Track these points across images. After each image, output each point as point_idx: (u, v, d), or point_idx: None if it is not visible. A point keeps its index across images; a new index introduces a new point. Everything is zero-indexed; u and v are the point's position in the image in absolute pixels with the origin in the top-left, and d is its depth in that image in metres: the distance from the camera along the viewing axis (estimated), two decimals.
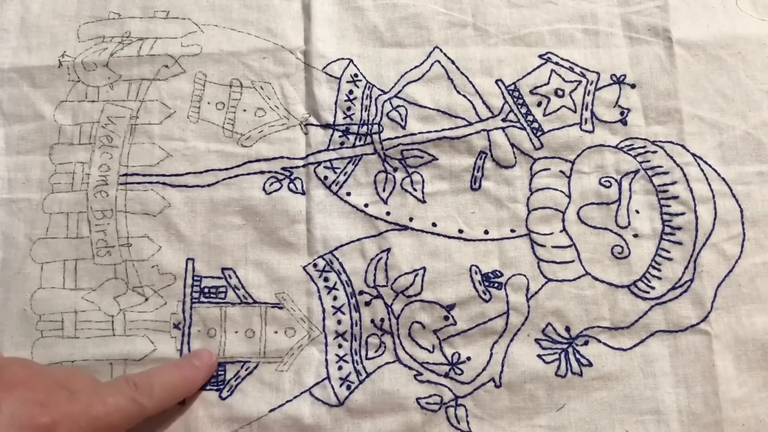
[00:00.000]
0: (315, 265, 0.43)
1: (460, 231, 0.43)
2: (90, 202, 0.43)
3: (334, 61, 0.46)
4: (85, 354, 0.41)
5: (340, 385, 0.41)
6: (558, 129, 0.45)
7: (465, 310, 0.42)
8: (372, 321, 0.42)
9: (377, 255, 0.43)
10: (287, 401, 0.40)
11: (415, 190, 0.44)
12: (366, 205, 0.44)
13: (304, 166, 0.44)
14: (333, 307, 0.42)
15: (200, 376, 0.40)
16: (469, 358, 0.41)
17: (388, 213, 0.44)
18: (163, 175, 0.44)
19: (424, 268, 0.43)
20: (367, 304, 0.42)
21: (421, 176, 0.44)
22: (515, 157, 0.45)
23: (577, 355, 0.41)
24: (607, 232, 0.43)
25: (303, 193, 0.44)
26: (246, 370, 0.41)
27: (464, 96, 0.45)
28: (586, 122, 0.45)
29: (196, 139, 0.44)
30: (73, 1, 0.47)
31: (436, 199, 0.44)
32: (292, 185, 0.44)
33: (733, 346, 0.42)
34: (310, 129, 0.45)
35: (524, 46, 0.47)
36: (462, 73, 0.46)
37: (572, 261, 0.43)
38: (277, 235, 0.43)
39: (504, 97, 0.45)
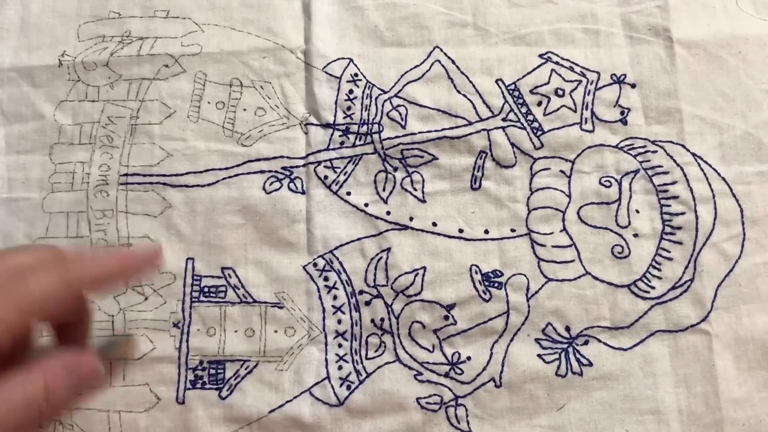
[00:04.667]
0: (315, 265, 0.43)
1: (461, 230, 0.43)
2: (90, 201, 0.43)
3: (335, 61, 0.46)
4: None
5: (340, 385, 0.41)
6: (558, 128, 0.45)
7: (465, 310, 0.42)
8: (372, 321, 0.42)
9: (377, 254, 0.43)
10: (287, 401, 0.40)
11: (415, 189, 0.44)
12: (366, 205, 0.44)
13: (304, 165, 0.44)
14: (333, 306, 0.42)
15: (139, 257, 0.32)
16: (469, 358, 0.41)
17: (388, 212, 0.44)
18: (164, 175, 0.44)
19: (425, 268, 0.43)
20: (367, 303, 0.42)
21: (422, 176, 0.44)
22: (515, 157, 0.45)
23: (578, 355, 0.41)
24: (607, 231, 0.43)
25: (303, 193, 0.44)
26: (246, 369, 0.41)
27: (464, 95, 0.45)
28: (586, 122, 0.45)
29: (196, 138, 0.44)
30: (74, 0, 0.47)
31: (437, 198, 0.44)
32: (292, 185, 0.44)
33: (734, 346, 0.42)
34: (310, 128, 0.45)
35: (524, 46, 0.47)
36: (462, 72, 0.46)
37: (572, 261, 0.43)
38: (277, 235, 0.43)
39: (504, 97, 0.45)
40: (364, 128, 0.45)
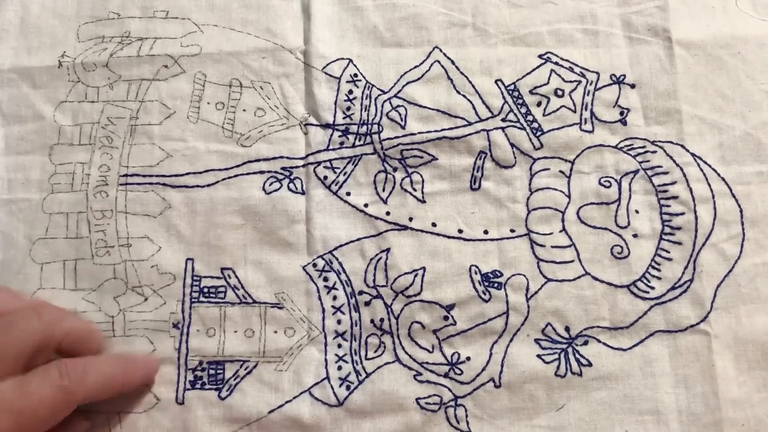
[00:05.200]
0: (314, 265, 0.43)
1: (460, 231, 0.43)
2: (90, 202, 0.43)
3: (334, 61, 0.46)
4: None
5: (340, 385, 0.41)
6: (558, 129, 0.45)
7: (464, 310, 0.42)
8: (372, 321, 0.42)
9: (377, 255, 0.43)
10: (287, 401, 0.40)
11: (414, 190, 0.44)
12: (366, 205, 0.44)
13: (303, 165, 0.44)
14: (333, 306, 0.42)
15: (138, 371, 0.39)
16: (468, 358, 0.41)
17: (387, 213, 0.44)
18: (163, 176, 0.44)
19: (424, 268, 0.43)
20: (367, 304, 0.42)
21: (421, 176, 0.44)
22: (515, 157, 0.45)
23: (577, 355, 0.41)
24: (606, 232, 0.43)
25: (303, 193, 0.44)
26: (245, 369, 0.41)
27: (464, 96, 0.45)
28: (585, 122, 0.45)
29: (196, 139, 0.45)
30: (73, 1, 0.47)
31: (436, 199, 0.44)
32: (291, 185, 0.44)
33: (733, 347, 0.41)
34: (309, 129, 0.45)
35: (524, 46, 0.47)
36: (462, 73, 0.46)
37: (572, 261, 0.43)
38: (276, 235, 0.43)
39: (504, 97, 0.45)
40: (364, 129, 0.45)
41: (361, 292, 0.42)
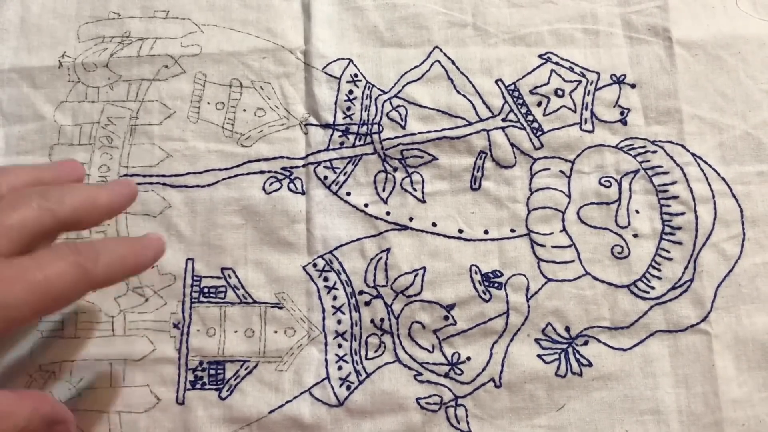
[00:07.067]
0: (315, 265, 0.43)
1: (460, 231, 0.43)
2: None
3: (334, 61, 0.46)
4: (84, 354, 0.41)
5: (340, 385, 0.41)
6: (558, 129, 0.45)
7: (465, 310, 0.42)
8: (372, 321, 0.42)
9: (377, 255, 0.43)
10: (287, 401, 0.40)
11: (415, 190, 0.44)
12: (366, 205, 0.44)
13: (304, 165, 0.44)
14: (333, 306, 0.42)
15: (150, 251, 0.36)
16: (469, 358, 0.41)
17: (388, 213, 0.44)
18: (164, 176, 0.44)
19: (424, 268, 0.43)
20: (367, 304, 0.42)
21: (421, 176, 0.44)
22: (515, 157, 0.45)
23: (577, 355, 0.41)
24: (607, 232, 0.43)
25: (303, 193, 0.44)
26: (245, 369, 0.41)
27: (464, 96, 0.45)
28: (586, 122, 0.45)
29: (196, 139, 0.45)
30: (73, 1, 0.47)
31: (436, 199, 0.44)
32: (291, 185, 0.44)
33: (733, 346, 0.42)
34: (309, 129, 0.45)
35: (524, 46, 0.47)
36: (462, 72, 0.46)
37: (572, 261, 0.43)
38: (276, 235, 0.43)
39: (504, 97, 0.45)
40: (364, 128, 0.45)
41: (361, 292, 0.42)
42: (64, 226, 0.32)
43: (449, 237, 0.43)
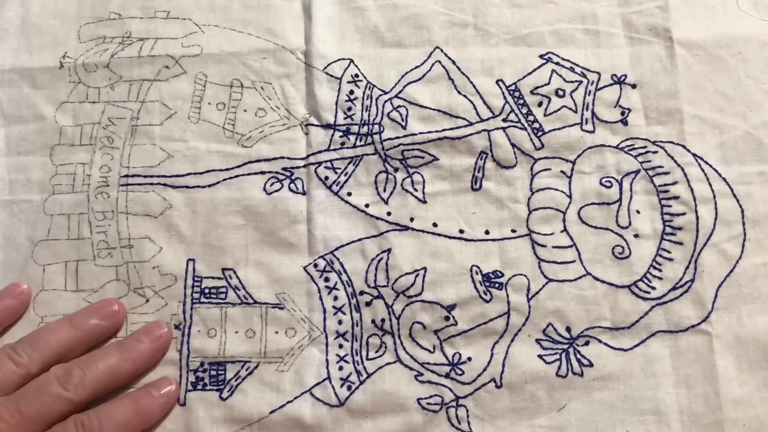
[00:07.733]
0: (315, 266, 0.43)
1: (461, 231, 0.43)
2: (91, 203, 0.43)
3: (335, 62, 0.46)
4: None
5: (341, 386, 0.41)
6: (559, 129, 0.45)
7: (466, 311, 0.42)
8: (373, 321, 0.42)
9: (378, 255, 0.43)
10: (288, 402, 0.40)
11: (415, 190, 0.44)
12: (367, 206, 0.44)
13: (304, 166, 0.44)
14: (334, 307, 0.42)
15: (157, 408, 0.39)
16: (469, 359, 0.41)
17: (388, 213, 0.44)
18: (164, 176, 0.44)
19: (425, 269, 0.43)
20: (368, 304, 0.42)
21: (422, 176, 0.44)
22: (516, 158, 0.45)
23: (578, 356, 0.41)
24: (607, 232, 0.43)
25: (304, 194, 0.44)
26: (246, 370, 0.41)
27: (465, 96, 0.45)
28: (586, 122, 0.45)
29: (197, 139, 0.45)
30: (74, 1, 0.47)
31: (437, 199, 0.44)
32: (292, 185, 0.44)
33: (734, 347, 0.42)
34: (310, 129, 0.45)
35: (525, 46, 0.47)
36: (463, 73, 0.46)
37: (573, 261, 0.43)
38: (277, 236, 0.43)
39: (505, 97, 0.45)
40: (365, 129, 0.45)
41: (362, 293, 0.42)
42: (83, 408, 0.37)
43: (450, 237, 0.43)
